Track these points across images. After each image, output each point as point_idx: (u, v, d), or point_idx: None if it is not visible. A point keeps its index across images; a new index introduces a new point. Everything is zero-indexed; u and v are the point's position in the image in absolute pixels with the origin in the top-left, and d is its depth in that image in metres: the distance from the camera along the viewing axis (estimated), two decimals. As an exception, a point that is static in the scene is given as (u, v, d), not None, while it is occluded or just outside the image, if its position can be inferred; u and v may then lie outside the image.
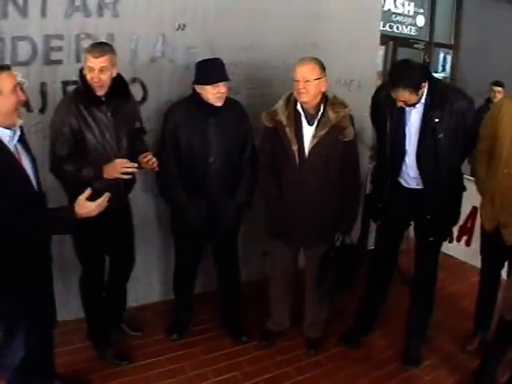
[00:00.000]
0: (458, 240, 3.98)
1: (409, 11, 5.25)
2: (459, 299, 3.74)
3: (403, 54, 5.42)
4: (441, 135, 2.70)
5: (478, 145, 2.88)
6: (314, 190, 2.88)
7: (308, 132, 2.86)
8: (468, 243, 3.79)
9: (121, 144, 2.76)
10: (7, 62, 2.78)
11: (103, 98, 2.69)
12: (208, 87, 2.82)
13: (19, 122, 2.19)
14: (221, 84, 2.83)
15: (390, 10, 5.20)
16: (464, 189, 2.97)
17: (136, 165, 2.70)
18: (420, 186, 2.88)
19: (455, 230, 3.96)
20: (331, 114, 2.81)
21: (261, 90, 3.59)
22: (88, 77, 2.61)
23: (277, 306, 3.26)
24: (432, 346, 3.23)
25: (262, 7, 3.48)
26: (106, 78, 2.62)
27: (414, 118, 2.77)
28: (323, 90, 2.82)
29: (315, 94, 2.79)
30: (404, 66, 2.73)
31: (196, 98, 2.89)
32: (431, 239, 2.93)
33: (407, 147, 2.82)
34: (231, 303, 3.34)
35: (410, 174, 2.88)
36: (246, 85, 3.54)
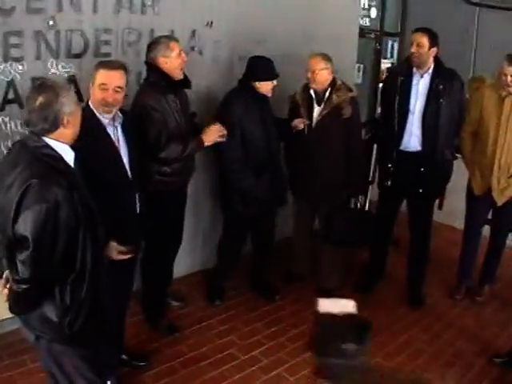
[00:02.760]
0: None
1: (364, 4, 5.80)
2: (439, 252, 4.29)
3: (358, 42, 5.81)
4: (442, 100, 3.36)
5: (465, 127, 3.54)
6: (319, 158, 3.50)
7: (317, 111, 3.49)
8: (440, 207, 4.47)
9: (187, 126, 3.04)
10: (62, 53, 2.97)
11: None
12: (268, 82, 3.26)
13: (114, 110, 2.47)
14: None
15: (349, 3, 5.68)
16: (455, 157, 3.61)
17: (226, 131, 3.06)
18: (419, 148, 3.47)
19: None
20: (334, 97, 3.44)
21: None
22: (177, 62, 2.89)
23: (298, 249, 3.92)
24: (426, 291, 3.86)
25: (271, 8, 3.93)
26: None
27: (421, 85, 3.42)
28: (328, 77, 3.42)
29: (321, 80, 3.41)
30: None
31: (252, 91, 3.27)
32: (421, 191, 3.51)
33: (412, 108, 3.43)
34: (264, 265, 3.78)
35: (413, 132, 3.46)
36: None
